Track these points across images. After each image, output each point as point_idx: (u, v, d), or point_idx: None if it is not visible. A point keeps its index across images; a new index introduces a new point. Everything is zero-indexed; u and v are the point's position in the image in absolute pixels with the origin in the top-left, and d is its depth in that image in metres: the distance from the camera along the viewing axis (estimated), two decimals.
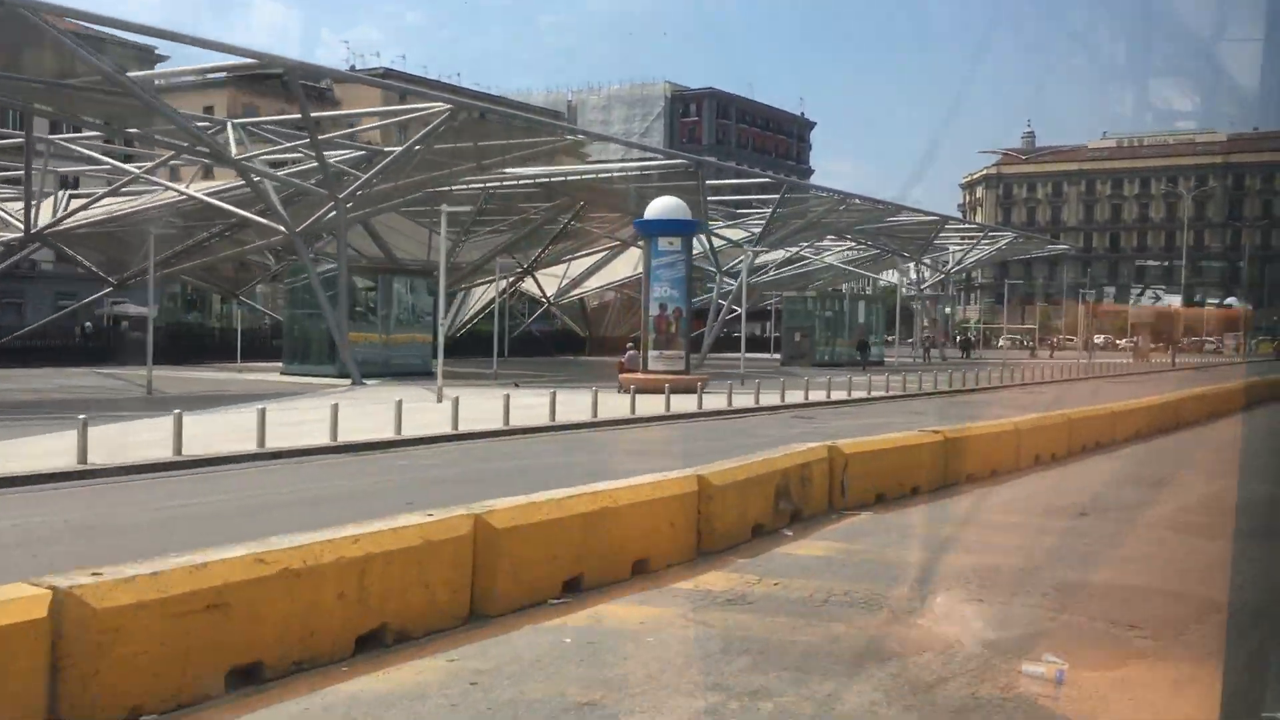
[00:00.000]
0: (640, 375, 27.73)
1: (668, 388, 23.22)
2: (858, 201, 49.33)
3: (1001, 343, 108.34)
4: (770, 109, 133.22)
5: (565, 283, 60.03)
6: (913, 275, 68.03)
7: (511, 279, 55.81)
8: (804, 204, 48.62)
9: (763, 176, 48.84)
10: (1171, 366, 56.98)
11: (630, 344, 30.77)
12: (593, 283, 61.59)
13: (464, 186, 41.74)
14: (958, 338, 73.57)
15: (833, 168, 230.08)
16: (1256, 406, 27.32)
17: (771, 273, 72.64)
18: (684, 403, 23.07)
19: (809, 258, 72.26)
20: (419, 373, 37.63)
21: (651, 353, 28.12)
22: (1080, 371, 48.11)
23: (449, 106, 30.41)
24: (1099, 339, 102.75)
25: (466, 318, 57.68)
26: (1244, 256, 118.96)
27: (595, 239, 53.30)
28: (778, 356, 55.82)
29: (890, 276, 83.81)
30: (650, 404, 22.28)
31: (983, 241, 64.92)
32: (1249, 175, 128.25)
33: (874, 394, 29.21)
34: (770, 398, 25.52)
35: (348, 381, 32.23)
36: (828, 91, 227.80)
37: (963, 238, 66.57)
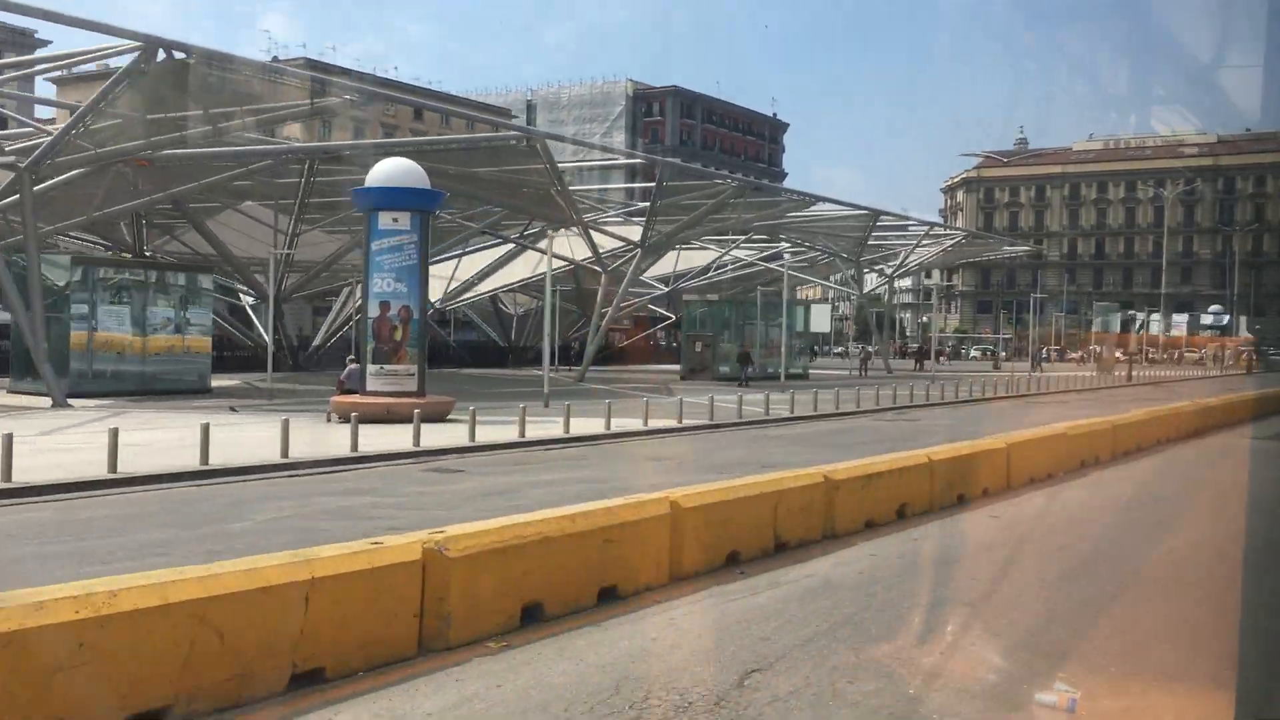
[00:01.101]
0: (356, 399, 20.37)
1: (419, 417, 15.93)
2: (758, 190, 41.95)
3: (972, 353, 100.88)
4: (739, 109, 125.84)
5: (453, 285, 52.70)
6: (852, 279, 60.36)
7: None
8: (690, 194, 41.09)
9: (635, 156, 41.04)
10: (1127, 381, 49.37)
11: (351, 356, 23.36)
12: (487, 285, 54.27)
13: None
14: (887, 347, 66.15)
15: (813, 174, 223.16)
16: (1186, 441, 19.88)
17: (727, 272, 65.32)
18: (385, 438, 15.87)
19: (745, 259, 64.98)
20: (190, 390, 30.53)
21: (371, 368, 20.67)
22: (1017, 388, 40.58)
23: (140, 44, 23.20)
24: (1089, 350, 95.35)
25: (336, 324, 50.41)
26: (1234, 262, 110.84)
27: (472, 234, 45.93)
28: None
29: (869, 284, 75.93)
30: (328, 441, 15.08)
31: (924, 241, 57.24)
32: (1240, 178, 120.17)
33: (674, 423, 21.80)
34: (533, 429, 18.32)
35: (49, 403, 25.46)
36: (808, 95, 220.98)
37: (907, 237, 59.01)
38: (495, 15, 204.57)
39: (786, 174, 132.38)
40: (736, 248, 60.96)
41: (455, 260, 51.89)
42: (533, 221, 45.98)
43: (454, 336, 66.25)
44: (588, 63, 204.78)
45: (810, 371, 52.98)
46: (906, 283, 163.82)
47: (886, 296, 67.09)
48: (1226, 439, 21.86)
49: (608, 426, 20.76)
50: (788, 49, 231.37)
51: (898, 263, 59.92)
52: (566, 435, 19.55)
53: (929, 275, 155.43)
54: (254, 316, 48.80)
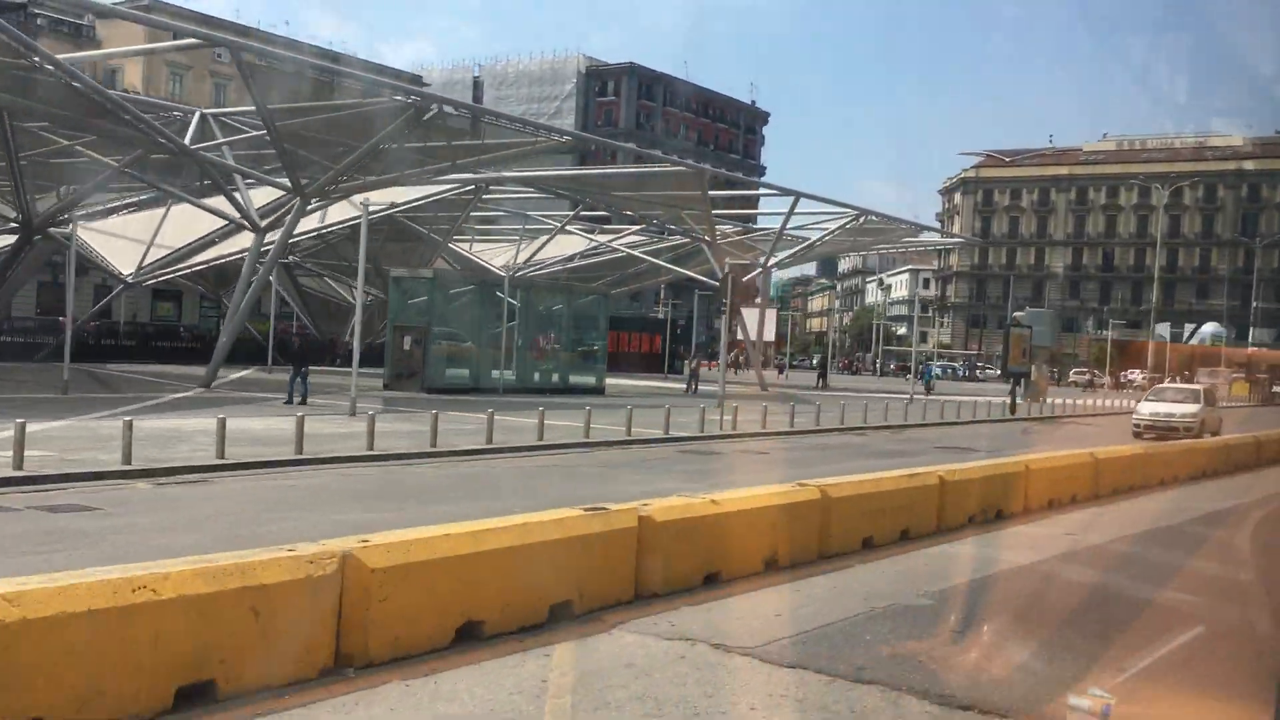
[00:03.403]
0: None
1: None
2: (452, 111, 28.19)
3: (935, 371, 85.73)
4: (710, 93, 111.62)
5: (164, 254, 39.51)
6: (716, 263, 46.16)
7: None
8: (344, 116, 27.30)
9: (213, 40, 26.58)
10: (1011, 414, 34.65)
11: None
12: (210, 255, 40.93)
13: None
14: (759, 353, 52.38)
15: (816, 178, 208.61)
16: None
17: (577, 258, 52.20)
18: None
19: (603, 244, 51.58)
20: None
21: None
22: (792, 419, 26.39)
23: None
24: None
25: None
26: (1257, 277, 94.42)
27: (109, 176, 32.52)
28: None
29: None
30: None
31: (795, 217, 42.83)
32: (1266, 185, 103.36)
33: None
34: None
35: None
36: (815, 94, 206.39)
37: (777, 215, 44.63)
38: (545, 19, 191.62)
39: (765, 169, 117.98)
40: (565, 227, 47.61)
41: (161, 218, 38.89)
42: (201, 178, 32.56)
43: (300, 328, 53.40)
44: (546, 37, 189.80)
45: (609, 383, 38.98)
46: (903, 293, 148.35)
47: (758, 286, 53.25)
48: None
49: None
50: (797, 39, 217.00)
51: (771, 247, 45.53)
52: None
53: (926, 285, 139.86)
54: None
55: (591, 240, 51.73)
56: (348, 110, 26.91)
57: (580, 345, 37.22)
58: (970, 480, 11.05)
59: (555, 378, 36.37)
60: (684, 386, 41.61)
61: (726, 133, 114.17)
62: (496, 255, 56.82)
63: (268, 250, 29.81)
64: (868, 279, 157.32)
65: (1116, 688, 5.93)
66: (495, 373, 34.11)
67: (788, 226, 45.02)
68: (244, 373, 37.61)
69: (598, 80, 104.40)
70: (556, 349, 36.13)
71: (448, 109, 27.15)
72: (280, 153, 26.64)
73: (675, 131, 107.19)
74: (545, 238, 52.35)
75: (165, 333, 43.11)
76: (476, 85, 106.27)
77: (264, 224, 29.67)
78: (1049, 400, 43.33)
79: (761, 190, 40.01)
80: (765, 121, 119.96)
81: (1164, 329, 67.22)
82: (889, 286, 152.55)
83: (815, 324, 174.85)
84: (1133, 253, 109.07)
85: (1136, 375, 64.41)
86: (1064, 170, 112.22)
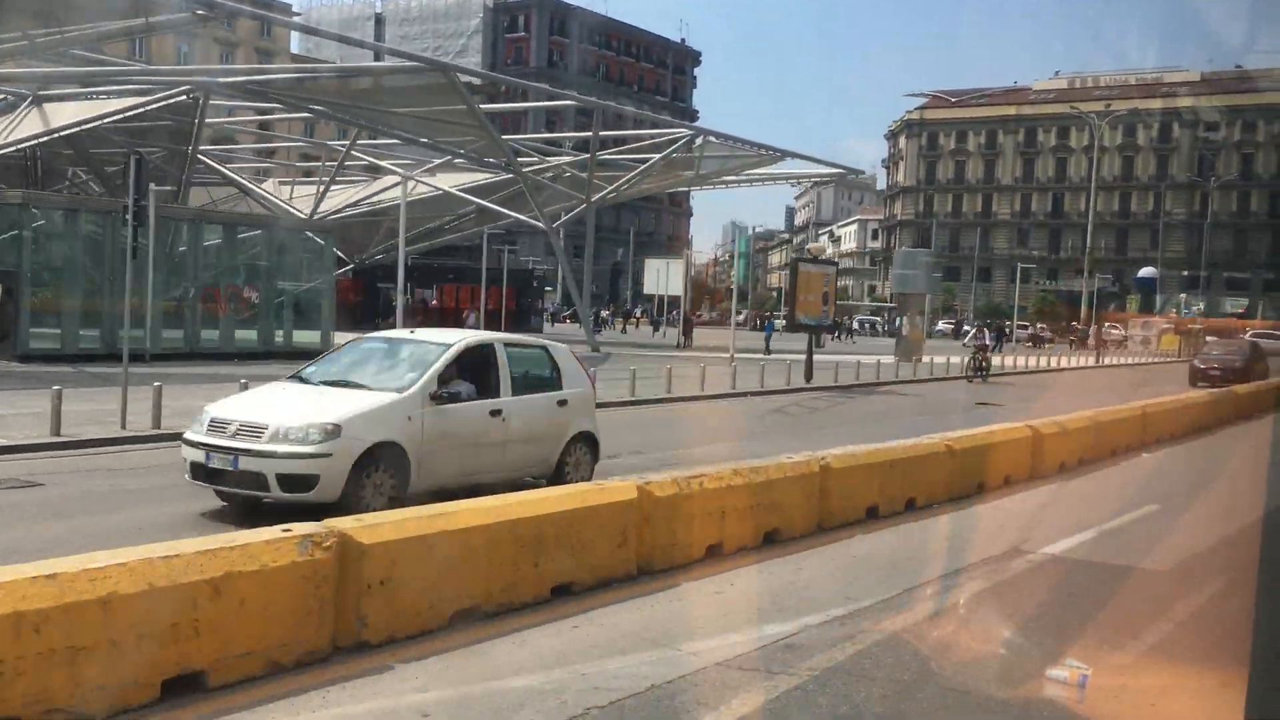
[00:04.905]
0: None
1: None
2: None
3: (854, 326, 77.06)
4: (632, 29, 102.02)
5: None
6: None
7: None
8: None
9: None
10: (807, 383, 25.87)
11: None
12: None
13: None
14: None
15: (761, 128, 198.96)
16: None
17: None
18: None
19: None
20: None
21: None
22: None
23: None
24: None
25: None
26: (1208, 223, 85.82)
27: None
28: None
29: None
30: None
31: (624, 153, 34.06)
32: (1224, 122, 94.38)
33: None
34: None
35: None
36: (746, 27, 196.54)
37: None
38: None
39: (697, 113, 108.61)
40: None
41: None
42: None
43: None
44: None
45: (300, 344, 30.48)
46: (850, 245, 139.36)
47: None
48: None
49: None
50: None
51: (588, 179, 36.75)
52: None
53: (875, 236, 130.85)
54: None
55: (400, 175, 42.95)
56: None
57: (289, 297, 28.63)
58: None
59: (265, 339, 27.92)
60: None
61: (652, 73, 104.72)
62: (325, 200, 48.26)
63: None
64: (820, 231, 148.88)
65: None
66: (169, 333, 25.76)
67: (607, 155, 36.28)
68: None
69: (506, 15, 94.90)
70: (252, 301, 27.59)
71: None
72: None
73: (593, 70, 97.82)
74: (361, 178, 44.03)
75: None
76: (378, 23, 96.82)
77: None
78: (923, 359, 34.99)
79: (546, 102, 31.35)
80: (697, 62, 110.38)
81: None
82: (839, 238, 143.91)
83: (775, 279, 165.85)
84: (1083, 198, 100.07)
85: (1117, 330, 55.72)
86: (1012, 110, 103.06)
